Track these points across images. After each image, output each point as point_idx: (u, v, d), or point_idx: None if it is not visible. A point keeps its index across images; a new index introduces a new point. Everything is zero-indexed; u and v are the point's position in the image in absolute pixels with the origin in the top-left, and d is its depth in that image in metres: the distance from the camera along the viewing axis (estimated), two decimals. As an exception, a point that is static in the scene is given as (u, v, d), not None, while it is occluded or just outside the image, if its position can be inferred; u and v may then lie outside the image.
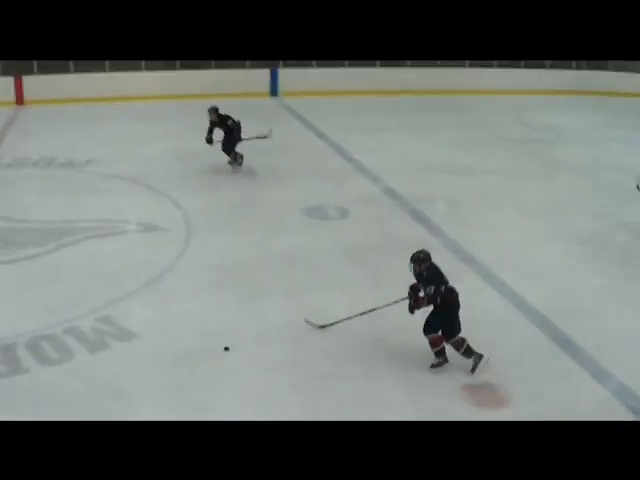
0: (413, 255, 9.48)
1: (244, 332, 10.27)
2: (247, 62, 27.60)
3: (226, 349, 9.81)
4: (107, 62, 26.84)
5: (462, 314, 9.83)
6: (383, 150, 19.77)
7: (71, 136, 20.98)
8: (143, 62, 27.04)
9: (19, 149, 19.54)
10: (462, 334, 9.42)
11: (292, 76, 27.43)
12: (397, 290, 11.34)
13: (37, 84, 26.06)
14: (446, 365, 9.46)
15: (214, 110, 17.46)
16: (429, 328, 9.40)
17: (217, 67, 27.17)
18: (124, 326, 10.31)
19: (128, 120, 22.81)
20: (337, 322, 10.20)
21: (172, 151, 19.13)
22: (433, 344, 9.44)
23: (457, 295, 9.37)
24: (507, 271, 12.27)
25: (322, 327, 10.29)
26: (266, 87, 27.43)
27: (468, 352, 9.43)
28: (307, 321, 10.36)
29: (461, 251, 13.12)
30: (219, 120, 17.36)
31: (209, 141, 17.42)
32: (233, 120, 17.42)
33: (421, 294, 9.37)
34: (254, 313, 10.75)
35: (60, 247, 13.17)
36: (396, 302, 9.73)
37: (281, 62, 28.11)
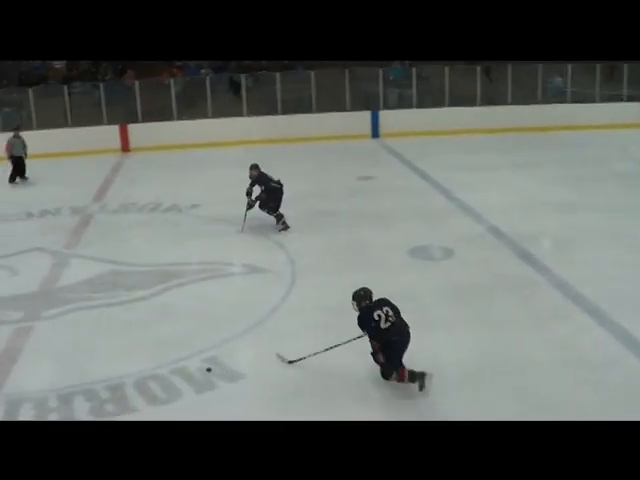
0: (354, 293, 9.81)
1: (350, 373, 10.19)
2: (348, 105, 27.80)
3: (209, 370, 10.23)
4: (210, 108, 27.39)
5: (571, 353, 9.64)
6: (486, 188, 19.53)
7: (175, 181, 21.35)
8: (245, 107, 27.48)
9: (125, 195, 19.94)
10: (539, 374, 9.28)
11: (393, 117, 27.51)
12: (506, 330, 11.21)
13: (141, 131, 26.72)
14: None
15: (255, 167, 16.91)
16: (385, 374, 9.58)
17: (318, 111, 27.45)
18: (230, 367, 10.34)
19: (230, 165, 23.08)
20: (305, 357, 10.26)
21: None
22: (400, 381, 9.51)
23: (399, 339, 9.51)
24: (616, 309, 11.86)
25: (290, 362, 10.35)
26: (367, 129, 27.49)
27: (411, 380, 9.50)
28: (278, 355, 10.51)
29: (569, 289, 12.79)
30: (260, 177, 16.73)
31: (249, 194, 16.76)
32: (276, 182, 16.74)
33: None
34: (360, 353, 10.65)
35: (167, 290, 13.34)
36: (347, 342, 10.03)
37: (381, 104, 28.23)
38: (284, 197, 16.69)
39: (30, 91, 27.66)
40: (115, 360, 10.73)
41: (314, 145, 25.74)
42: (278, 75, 27.84)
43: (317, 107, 27.82)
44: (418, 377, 9.43)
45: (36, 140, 25.72)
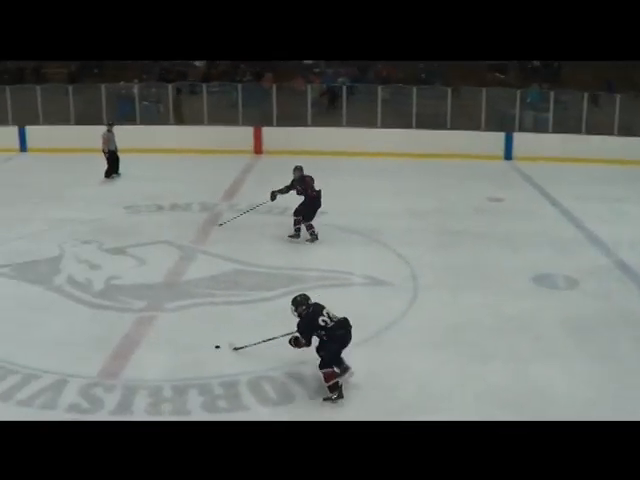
0: (292, 299, 10.47)
1: (461, 394, 10.18)
2: (482, 124, 27.57)
3: (217, 347, 11.19)
4: (344, 117, 27.55)
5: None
6: (618, 221, 19.01)
7: (305, 187, 21.49)
8: (379, 119, 27.52)
9: (255, 196, 20.19)
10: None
11: (527, 140, 27.04)
12: (623, 367, 10.94)
13: (275, 135, 27.03)
14: None
15: (300, 168, 16.90)
16: (323, 364, 9.96)
17: (452, 128, 27.29)
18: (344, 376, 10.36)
19: (362, 175, 23.21)
20: (250, 345, 11.00)
21: (404, 208, 19.32)
22: (326, 379, 9.92)
23: (344, 332, 10.08)
24: None
25: (235, 349, 11.05)
26: (500, 150, 27.13)
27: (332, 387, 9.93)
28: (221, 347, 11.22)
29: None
30: (302, 179, 16.73)
31: (275, 196, 17.02)
32: (316, 191, 16.72)
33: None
34: (472, 376, 10.61)
35: (288, 293, 13.41)
36: (289, 334, 10.51)
37: (517, 126, 27.87)
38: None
39: (169, 87, 28.30)
40: (231, 358, 10.98)
41: (446, 162, 25.58)
42: (415, 89, 27.80)
43: (451, 124, 27.67)
44: (338, 391, 9.96)
45: (171, 135, 26.50)
